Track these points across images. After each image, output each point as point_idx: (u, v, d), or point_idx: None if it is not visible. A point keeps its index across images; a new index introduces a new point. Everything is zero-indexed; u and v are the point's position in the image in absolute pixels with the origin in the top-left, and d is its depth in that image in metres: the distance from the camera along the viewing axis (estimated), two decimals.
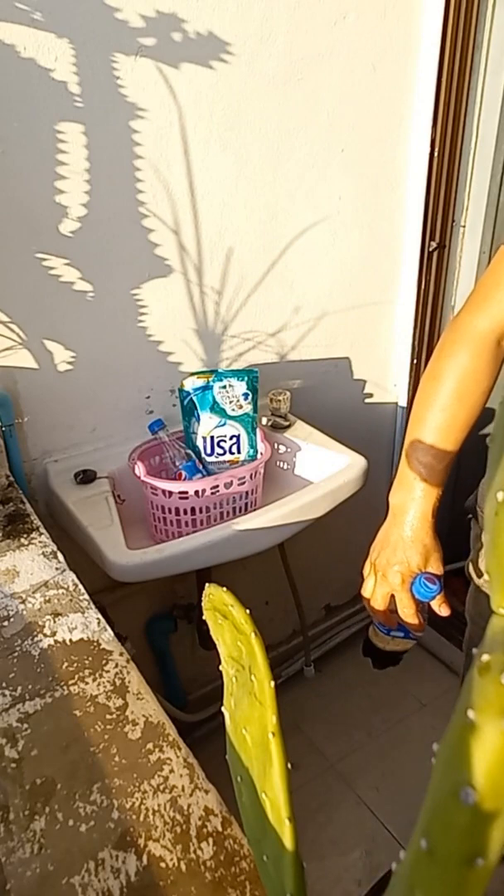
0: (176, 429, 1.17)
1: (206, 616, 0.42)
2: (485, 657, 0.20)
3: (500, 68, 1.34)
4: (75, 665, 0.63)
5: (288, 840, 0.28)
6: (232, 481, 1.07)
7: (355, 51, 1.20)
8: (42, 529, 0.86)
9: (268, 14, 1.07)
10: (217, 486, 1.06)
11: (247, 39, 1.06)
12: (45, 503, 1.13)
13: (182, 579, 1.40)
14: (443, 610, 0.82)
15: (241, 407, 1.13)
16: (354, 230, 1.37)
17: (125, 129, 0.99)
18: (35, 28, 0.87)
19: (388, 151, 1.35)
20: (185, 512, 1.06)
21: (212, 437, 1.13)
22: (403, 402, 1.64)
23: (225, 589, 0.40)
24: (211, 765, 0.55)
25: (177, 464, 1.12)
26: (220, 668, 0.40)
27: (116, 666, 0.63)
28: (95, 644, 0.65)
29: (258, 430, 1.16)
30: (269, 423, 1.30)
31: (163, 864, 0.46)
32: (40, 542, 0.83)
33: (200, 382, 1.11)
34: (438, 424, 0.80)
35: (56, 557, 0.79)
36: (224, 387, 1.12)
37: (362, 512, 1.38)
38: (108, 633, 0.67)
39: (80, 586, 0.74)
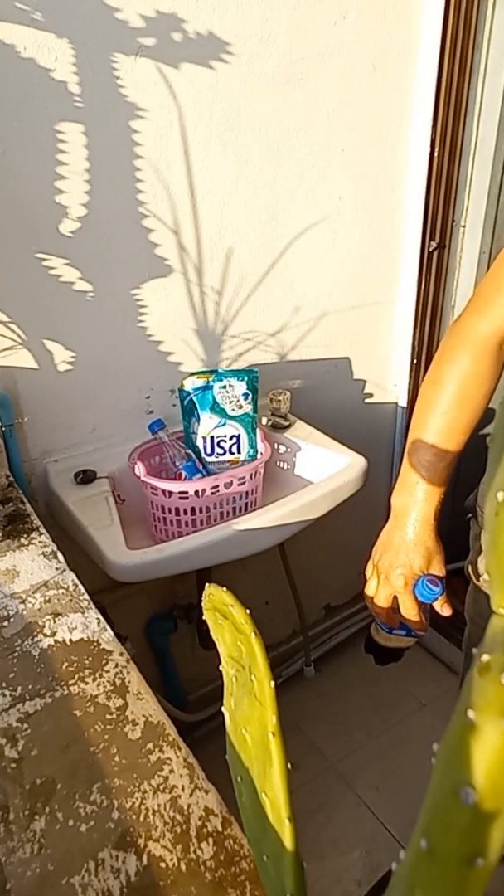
0: (176, 429, 1.17)
1: (206, 616, 0.42)
2: (485, 657, 0.20)
3: (500, 68, 1.34)
4: (75, 665, 0.63)
5: (288, 840, 0.28)
6: (232, 481, 1.07)
7: (355, 51, 1.20)
8: (42, 529, 0.86)
9: (268, 14, 1.07)
10: (217, 486, 1.06)
11: (247, 39, 1.06)
12: (45, 503, 1.13)
13: (182, 579, 1.40)
14: (445, 610, 0.82)
15: (241, 407, 1.13)
16: (354, 230, 1.37)
17: (125, 129, 0.99)
18: (35, 28, 0.87)
19: (388, 151, 1.35)
20: (185, 512, 1.06)
21: (212, 437, 1.13)
22: (403, 403, 1.64)
23: (225, 589, 0.40)
24: (211, 765, 0.55)
25: (177, 464, 1.12)
26: (220, 668, 0.40)
27: (116, 666, 0.63)
28: (95, 644, 0.65)
29: (258, 430, 1.16)
30: (269, 423, 1.30)
31: (163, 864, 0.46)
32: (40, 542, 0.83)
33: (200, 382, 1.11)
34: (440, 428, 0.80)
35: (56, 557, 0.79)
36: (224, 387, 1.12)
37: (362, 512, 1.38)
38: (108, 633, 0.67)
39: (80, 586, 0.74)
